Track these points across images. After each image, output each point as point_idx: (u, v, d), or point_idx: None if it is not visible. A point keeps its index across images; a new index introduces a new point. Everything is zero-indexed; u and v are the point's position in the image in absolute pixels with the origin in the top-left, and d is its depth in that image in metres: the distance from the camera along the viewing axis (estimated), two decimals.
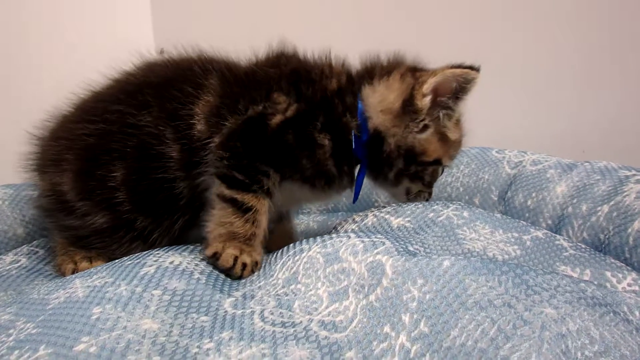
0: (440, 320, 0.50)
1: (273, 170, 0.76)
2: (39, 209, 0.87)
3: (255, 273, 0.73)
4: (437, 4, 1.35)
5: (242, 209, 0.74)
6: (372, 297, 0.57)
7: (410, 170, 0.83)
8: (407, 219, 0.79)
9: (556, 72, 1.28)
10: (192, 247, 0.78)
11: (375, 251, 0.61)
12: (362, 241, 0.65)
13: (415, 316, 0.52)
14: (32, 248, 0.86)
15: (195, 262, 0.72)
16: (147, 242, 0.79)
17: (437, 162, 0.83)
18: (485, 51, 1.33)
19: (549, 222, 0.87)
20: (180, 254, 0.73)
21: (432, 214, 0.79)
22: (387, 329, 0.52)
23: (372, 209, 0.86)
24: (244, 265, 0.71)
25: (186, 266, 0.69)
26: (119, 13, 1.43)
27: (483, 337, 0.45)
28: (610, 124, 1.24)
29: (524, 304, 0.47)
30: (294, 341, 0.53)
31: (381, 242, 0.63)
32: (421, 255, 0.59)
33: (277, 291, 0.66)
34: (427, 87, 0.77)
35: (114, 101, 0.78)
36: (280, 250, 0.76)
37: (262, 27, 1.42)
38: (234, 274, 0.70)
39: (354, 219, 0.85)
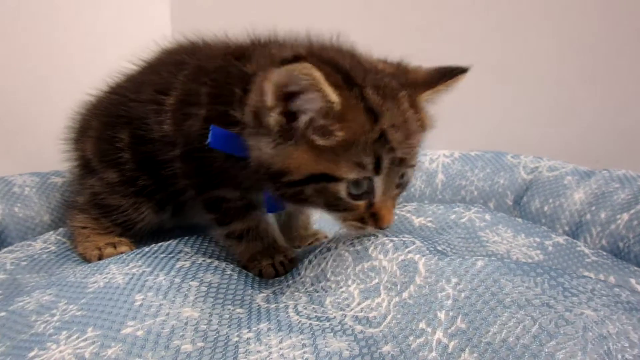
0: (478, 317, 0.50)
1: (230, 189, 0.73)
2: (71, 187, 0.92)
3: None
4: (450, 4, 1.36)
5: (240, 237, 0.75)
6: (405, 295, 0.57)
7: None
8: (428, 219, 0.79)
9: (568, 79, 1.28)
10: (220, 247, 0.78)
11: (407, 250, 0.62)
12: (391, 240, 0.65)
13: (451, 313, 0.52)
14: (59, 237, 0.86)
15: (226, 262, 0.73)
16: (151, 199, 0.82)
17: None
18: (500, 55, 1.33)
19: (566, 228, 0.87)
20: (210, 254, 0.74)
21: (453, 216, 0.79)
22: (422, 325, 0.53)
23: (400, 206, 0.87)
24: (282, 264, 0.73)
25: (218, 264, 0.70)
26: (137, 9, 1.44)
27: (525, 333, 0.46)
28: (624, 133, 1.25)
29: (564, 305, 0.47)
30: (332, 333, 0.54)
31: (411, 241, 0.63)
32: (453, 256, 0.59)
33: (306, 288, 0.66)
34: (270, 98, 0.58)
35: (127, 78, 0.86)
36: (306, 250, 0.77)
37: (280, 16, 1.43)
38: (280, 274, 0.73)
39: None
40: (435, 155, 1.17)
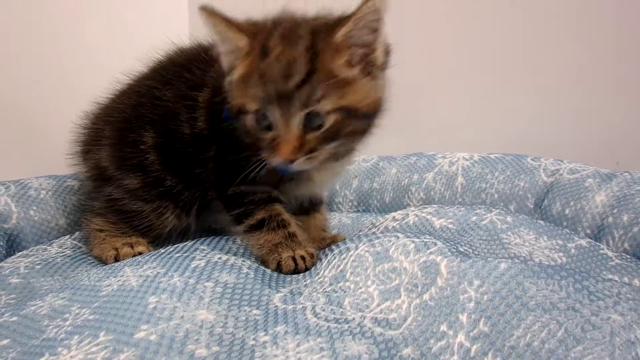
0: (502, 320, 0.49)
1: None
2: (86, 195, 0.91)
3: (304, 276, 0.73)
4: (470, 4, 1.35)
5: (261, 226, 0.76)
6: (426, 296, 0.56)
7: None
8: (449, 221, 0.78)
9: (588, 81, 1.26)
10: (238, 244, 0.78)
11: (428, 251, 0.60)
12: (413, 241, 0.64)
13: (473, 316, 0.51)
14: (74, 242, 0.86)
15: (243, 258, 0.72)
16: (177, 202, 0.82)
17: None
18: (519, 57, 1.32)
19: (588, 231, 0.85)
20: (226, 251, 0.74)
21: (474, 218, 0.78)
22: (443, 327, 0.51)
23: (412, 209, 0.86)
24: (303, 258, 0.73)
25: (234, 262, 0.69)
26: (156, 12, 1.45)
27: (550, 338, 0.45)
28: None
29: (590, 309, 0.46)
30: (350, 336, 0.53)
31: (433, 242, 0.62)
32: (475, 257, 0.58)
33: (324, 288, 0.65)
34: None
35: (145, 77, 0.86)
36: (324, 249, 0.77)
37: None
38: (300, 269, 0.73)
39: (394, 217, 0.85)
40: (454, 158, 1.15)
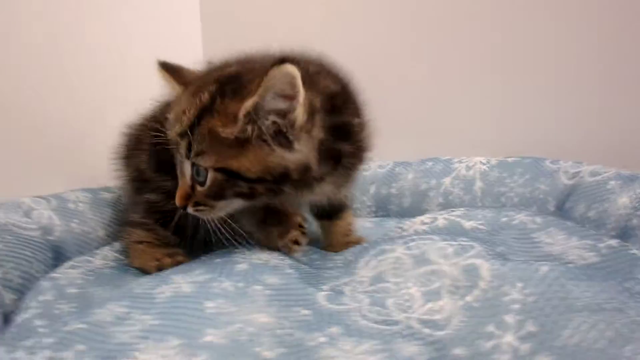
0: (549, 321, 0.51)
1: None
2: (125, 206, 0.96)
3: (337, 270, 0.76)
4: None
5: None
6: (469, 298, 0.58)
7: None
8: (479, 222, 0.80)
9: (605, 82, 1.27)
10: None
11: (467, 255, 0.63)
12: (450, 244, 0.66)
13: (518, 317, 0.53)
14: (115, 254, 0.88)
15: (281, 257, 0.74)
16: None
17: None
18: (534, 57, 1.33)
19: (613, 233, 0.87)
20: (264, 253, 0.76)
21: (505, 219, 0.80)
22: (491, 328, 0.54)
23: (441, 212, 0.88)
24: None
25: (275, 262, 0.71)
26: (169, 28, 1.48)
27: (599, 338, 0.47)
28: None
29: (635, 310, 0.49)
30: (402, 338, 0.55)
31: (470, 245, 0.65)
32: (515, 260, 0.61)
33: (365, 289, 0.67)
34: None
35: None
36: (356, 250, 0.79)
37: (313, 39, 1.46)
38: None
39: (422, 221, 0.87)
40: (471, 162, 1.18)
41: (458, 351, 0.53)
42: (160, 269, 0.80)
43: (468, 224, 0.80)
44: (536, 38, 1.31)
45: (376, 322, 0.58)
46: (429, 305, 0.60)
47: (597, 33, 1.26)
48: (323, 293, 0.65)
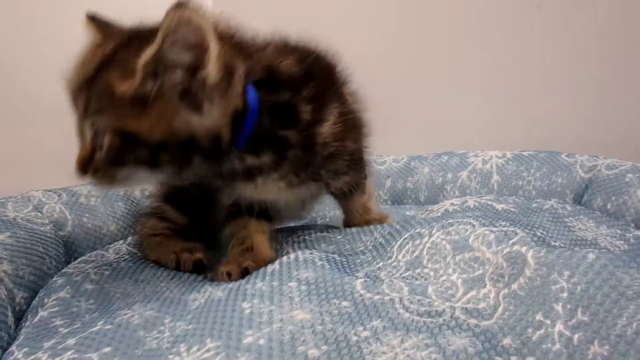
0: (601, 309, 0.50)
1: None
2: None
3: (368, 254, 0.75)
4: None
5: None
6: (514, 286, 0.56)
7: None
8: (510, 206, 0.79)
9: (613, 75, 1.29)
10: (296, 239, 0.79)
11: (511, 242, 0.61)
12: (491, 231, 0.64)
13: (569, 306, 0.52)
14: (129, 247, 0.85)
15: (310, 250, 0.72)
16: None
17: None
18: (544, 52, 1.33)
19: (632, 225, 0.88)
20: (291, 248, 0.76)
21: (535, 205, 0.79)
22: (539, 317, 0.52)
23: (470, 197, 0.87)
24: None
25: (305, 256, 0.69)
26: None
27: None
28: None
29: None
30: (449, 330, 0.53)
31: (513, 232, 0.63)
32: (561, 247, 0.60)
33: (401, 274, 0.65)
34: None
35: None
36: (385, 232, 0.77)
37: (323, 18, 1.44)
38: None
39: (451, 203, 0.84)
40: (487, 156, 1.17)
41: (507, 341, 0.51)
42: (178, 263, 0.78)
43: (500, 206, 0.78)
44: (553, 32, 1.30)
45: (419, 314, 0.56)
46: (472, 293, 0.58)
47: (615, 25, 1.26)
48: (360, 280, 0.63)
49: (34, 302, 0.69)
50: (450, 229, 0.68)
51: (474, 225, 0.66)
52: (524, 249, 0.59)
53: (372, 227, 0.85)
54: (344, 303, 0.58)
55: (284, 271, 0.65)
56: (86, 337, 0.55)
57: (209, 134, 0.60)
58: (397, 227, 0.76)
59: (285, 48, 0.73)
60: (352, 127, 0.76)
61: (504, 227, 0.65)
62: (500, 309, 0.55)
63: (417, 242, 0.68)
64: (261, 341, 0.51)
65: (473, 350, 0.50)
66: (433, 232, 0.68)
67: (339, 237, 0.84)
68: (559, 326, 0.51)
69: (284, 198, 0.77)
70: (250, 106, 0.64)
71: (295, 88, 0.68)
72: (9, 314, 0.63)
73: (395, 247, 0.70)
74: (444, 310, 0.56)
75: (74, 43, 0.61)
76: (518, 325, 0.52)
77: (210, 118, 0.60)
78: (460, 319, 0.55)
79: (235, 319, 0.55)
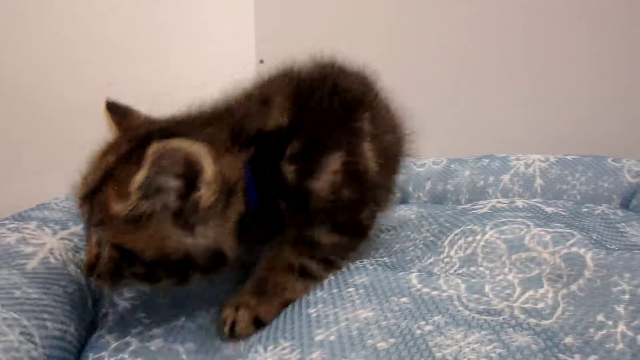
0: None
1: None
2: None
3: (418, 249, 0.75)
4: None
5: None
6: (573, 287, 0.57)
7: None
8: (560, 209, 0.79)
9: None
10: None
11: (569, 243, 0.62)
12: (547, 232, 0.65)
13: (631, 307, 0.52)
14: None
15: (359, 260, 0.74)
16: None
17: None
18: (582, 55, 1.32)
19: None
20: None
21: (585, 209, 0.80)
22: (600, 317, 0.52)
23: (518, 198, 0.88)
24: None
25: (355, 265, 0.71)
26: (222, 27, 1.48)
27: None
28: None
29: None
30: (511, 329, 0.54)
31: (570, 233, 0.63)
32: (620, 250, 0.61)
33: (455, 270, 0.66)
34: None
35: None
36: (432, 229, 0.78)
37: (363, 40, 1.46)
38: None
39: (498, 201, 0.85)
40: (529, 160, 1.17)
41: (569, 340, 0.52)
42: None
43: (549, 209, 0.79)
44: (599, 31, 1.29)
45: (479, 312, 0.57)
46: (529, 292, 0.59)
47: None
48: (414, 273, 0.64)
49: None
50: (504, 228, 0.69)
51: (528, 226, 0.67)
52: (582, 251, 0.60)
53: (420, 224, 0.86)
54: (403, 299, 0.60)
55: (339, 280, 0.67)
56: (172, 328, 0.60)
57: (206, 252, 0.58)
58: (446, 223, 0.77)
59: (279, 86, 0.69)
60: (357, 179, 0.67)
61: (559, 228, 0.66)
62: (559, 309, 0.56)
63: (470, 239, 0.70)
64: (331, 337, 0.53)
65: (536, 347, 0.51)
66: (486, 230, 0.69)
67: (386, 237, 0.86)
68: (621, 327, 0.51)
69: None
70: (250, 192, 0.61)
71: (281, 146, 0.63)
72: (89, 300, 0.68)
73: (446, 243, 0.72)
74: (502, 310, 0.57)
75: None
76: (579, 325, 0.53)
77: (206, 239, 0.58)
78: (520, 318, 0.56)
79: (303, 322, 0.57)
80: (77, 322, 0.64)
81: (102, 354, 0.59)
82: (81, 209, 0.59)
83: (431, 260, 0.70)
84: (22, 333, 0.53)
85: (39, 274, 0.65)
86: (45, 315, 0.58)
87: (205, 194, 0.55)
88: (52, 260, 0.69)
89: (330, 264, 0.69)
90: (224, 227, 0.58)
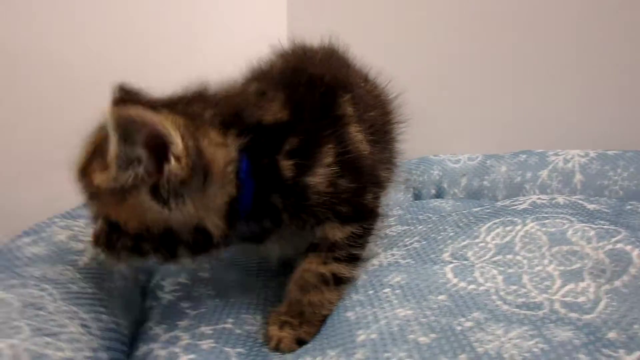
0: None
1: None
2: None
3: (451, 230, 0.75)
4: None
5: None
6: (617, 283, 0.57)
7: None
8: (602, 206, 0.79)
9: None
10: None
11: (614, 239, 0.62)
12: (591, 227, 0.65)
13: None
14: None
15: (390, 252, 0.75)
16: None
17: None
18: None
19: None
20: (374, 255, 0.78)
21: (629, 207, 0.78)
22: None
23: (558, 194, 0.87)
24: None
25: (387, 260, 0.72)
26: (255, 11, 1.48)
27: None
28: None
29: None
30: (552, 324, 0.54)
31: (615, 230, 0.63)
32: None
33: (490, 257, 0.67)
34: None
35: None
36: (470, 215, 0.79)
37: (397, 27, 1.46)
38: None
39: (538, 197, 0.85)
40: (568, 155, 1.16)
41: (613, 335, 0.52)
42: None
43: (591, 206, 0.78)
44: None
45: (517, 306, 0.57)
46: (570, 286, 0.59)
47: None
48: (450, 266, 0.65)
49: (151, 284, 0.76)
50: (546, 221, 0.68)
51: (571, 221, 0.67)
52: (628, 247, 0.60)
53: (455, 213, 0.86)
54: (441, 297, 0.61)
55: (373, 281, 0.68)
56: (221, 330, 0.63)
57: (187, 227, 0.58)
58: (484, 215, 0.77)
59: (276, 81, 0.68)
60: (352, 167, 0.66)
61: (604, 225, 0.65)
62: (602, 304, 0.55)
63: (509, 228, 0.69)
64: (373, 336, 0.54)
65: (579, 342, 0.51)
66: (527, 222, 0.69)
67: (420, 227, 0.86)
68: None
69: (289, 250, 0.73)
70: (244, 174, 0.60)
71: (278, 141, 0.62)
72: (138, 294, 0.71)
73: (484, 229, 0.72)
74: (542, 303, 0.57)
75: None
76: (623, 320, 0.53)
77: (184, 214, 0.57)
78: (561, 313, 0.56)
79: (343, 326, 0.59)
80: (127, 315, 0.67)
81: (152, 345, 0.62)
82: (79, 185, 0.60)
83: (465, 243, 0.70)
84: (81, 325, 0.56)
85: (91, 270, 0.68)
86: (101, 309, 0.61)
87: (175, 166, 0.54)
88: (102, 256, 0.72)
89: (357, 259, 0.69)
90: (206, 204, 0.57)
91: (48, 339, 0.50)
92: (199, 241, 0.59)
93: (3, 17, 0.94)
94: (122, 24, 1.16)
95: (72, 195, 0.62)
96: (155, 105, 0.58)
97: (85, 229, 0.78)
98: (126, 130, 0.52)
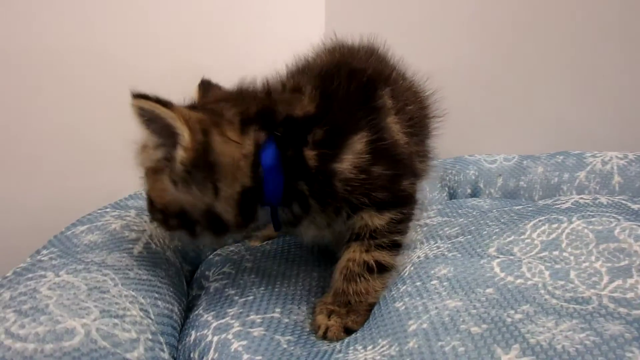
0: None
1: None
2: None
3: (496, 226, 0.76)
4: None
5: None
6: None
7: None
8: None
9: None
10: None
11: None
12: (639, 226, 0.65)
13: None
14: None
15: (435, 245, 0.76)
16: None
17: None
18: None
19: None
20: (417, 248, 0.79)
21: None
22: None
23: (600, 195, 0.87)
24: None
25: (433, 252, 0.73)
26: (293, 10, 1.49)
27: None
28: None
29: None
30: (602, 318, 0.55)
31: None
32: None
33: (537, 253, 0.67)
34: None
35: None
36: (513, 212, 0.79)
37: (435, 31, 1.46)
38: None
39: (581, 197, 0.85)
40: (606, 157, 1.15)
41: None
42: None
43: (635, 206, 0.78)
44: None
45: (566, 300, 0.58)
46: (617, 282, 0.59)
47: None
48: (497, 260, 0.65)
49: (196, 274, 0.79)
50: (593, 219, 0.69)
51: (618, 220, 0.67)
52: None
53: (496, 211, 0.86)
54: (489, 290, 0.61)
55: (420, 272, 0.69)
56: (270, 319, 0.65)
57: (197, 210, 0.64)
58: (528, 210, 0.77)
59: (314, 75, 0.73)
60: (386, 154, 0.69)
61: None
62: None
63: (555, 225, 0.70)
64: (424, 325, 0.55)
65: (630, 336, 0.51)
66: (573, 220, 0.70)
67: (460, 219, 0.87)
68: None
69: (328, 236, 0.76)
70: (268, 166, 0.64)
71: (304, 133, 0.66)
72: (184, 283, 0.74)
73: (529, 226, 0.72)
74: (590, 298, 0.58)
75: None
76: None
77: (194, 197, 0.63)
78: (610, 308, 0.56)
79: (393, 316, 0.60)
80: (179, 302, 0.70)
81: (204, 331, 0.64)
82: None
83: (511, 239, 0.71)
84: (141, 309, 0.59)
85: (145, 258, 0.71)
86: (156, 295, 0.64)
87: (181, 155, 0.60)
88: (153, 245, 0.75)
89: (399, 246, 0.71)
90: (213, 193, 0.62)
91: (115, 320, 0.53)
92: (214, 223, 0.65)
93: (3, 17, 0.98)
94: (132, 24, 1.17)
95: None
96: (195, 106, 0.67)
97: (135, 218, 0.81)
98: (147, 119, 0.59)
